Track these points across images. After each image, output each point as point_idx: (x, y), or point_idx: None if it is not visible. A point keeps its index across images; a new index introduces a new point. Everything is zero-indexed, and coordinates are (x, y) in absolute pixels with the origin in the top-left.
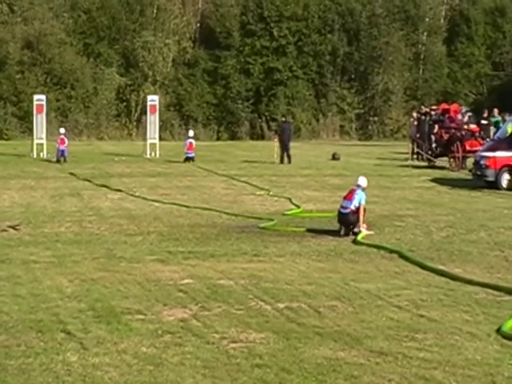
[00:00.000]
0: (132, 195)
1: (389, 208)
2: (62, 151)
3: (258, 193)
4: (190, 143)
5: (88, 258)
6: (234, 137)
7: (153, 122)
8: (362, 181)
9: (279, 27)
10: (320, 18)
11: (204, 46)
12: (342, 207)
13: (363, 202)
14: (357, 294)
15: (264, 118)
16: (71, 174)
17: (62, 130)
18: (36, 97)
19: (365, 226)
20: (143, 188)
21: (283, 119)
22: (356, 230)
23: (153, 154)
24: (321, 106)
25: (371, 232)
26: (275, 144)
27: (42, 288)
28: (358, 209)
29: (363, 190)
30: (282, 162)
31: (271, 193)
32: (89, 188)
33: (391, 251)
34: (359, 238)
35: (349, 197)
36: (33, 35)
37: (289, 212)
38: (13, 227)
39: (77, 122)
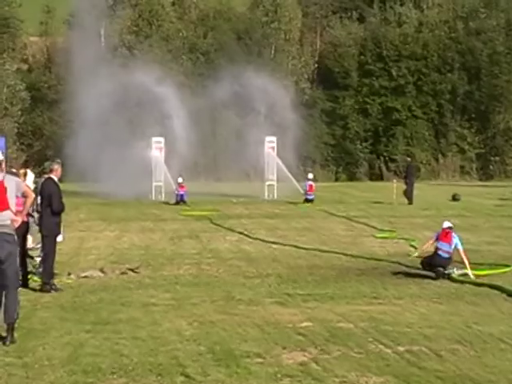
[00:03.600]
0: (251, 237)
1: (511, 250)
2: (182, 195)
3: (378, 235)
4: (310, 185)
5: (207, 300)
6: (352, 177)
7: (271, 163)
8: (448, 224)
9: (398, 67)
10: (439, 57)
11: (322, 87)
12: (441, 250)
13: (461, 247)
14: (479, 338)
15: (383, 159)
16: (188, 215)
17: (180, 180)
18: (154, 138)
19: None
20: (261, 230)
21: (408, 159)
22: (450, 271)
23: (271, 196)
24: (440, 146)
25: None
26: (394, 185)
27: (162, 331)
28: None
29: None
30: (411, 202)
31: (394, 234)
32: (207, 230)
33: (491, 287)
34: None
35: (447, 240)
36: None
37: (414, 254)
38: (132, 270)
39: (196, 164)
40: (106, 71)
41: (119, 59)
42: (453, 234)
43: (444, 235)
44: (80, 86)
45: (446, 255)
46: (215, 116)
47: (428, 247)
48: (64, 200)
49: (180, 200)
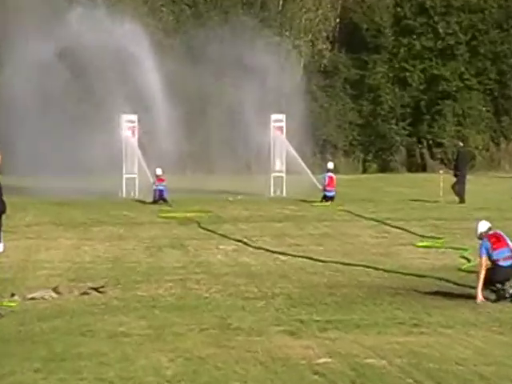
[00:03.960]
0: (252, 246)
1: None
2: (161, 191)
3: (419, 243)
4: (331, 178)
5: (194, 329)
6: (385, 168)
7: (278, 149)
8: (487, 224)
9: (446, 22)
10: (501, 8)
11: (346, 49)
12: (502, 259)
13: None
14: None
15: (426, 143)
16: (170, 217)
17: (159, 171)
18: (125, 116)
19: None
20: (266, 237)
21: (460, 144)
22: None
23: (278, 192)
24: (502, 127)
25: None
26: (441, 177)
27: (135, 369)
28: None
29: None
30: (463, 199)
31: (441, 241)
32: (195, 237)
33: None
34: None
35: (502, 243)
36: None
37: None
38: (96, 289)
39: (180, 151)
40: (57, 28)
41: (76, 11)
42: (502, 234)
43: (495, 240)
44: (17, 47)
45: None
46: (205, 88)
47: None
48: (4, 198)
49: (159, 198)
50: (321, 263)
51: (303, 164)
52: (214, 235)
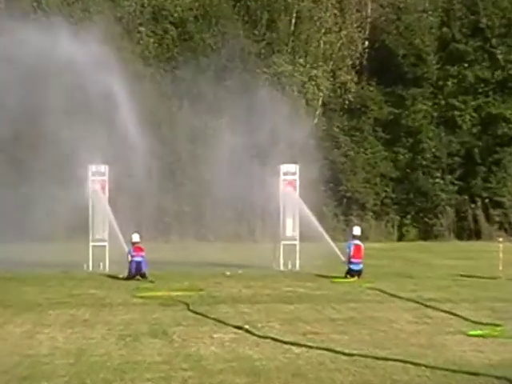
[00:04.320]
0: (255, 334)
1: None
2: (138, 263)
3: (472, 332)
4: (357, 246)
5: None
6: (428, 234)
7: (289, 209)
8: None
9: (507, 45)
10: None
11: (376, 81)
12: None
13: None
14: None
15: (480, 202)
16: (151, 297)
17: (136, 238)
18: (93, 167)
19: None
20: (274, 322)
21: None
22: None
23: (289, 265)
24: None
25: None
26: (500, 246)
27: None
28: None
29: None
30: None
31: (499, 330)
32: (182, 322)
33: None
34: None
35: None
36: None
37: None
38: None
39: (163, 211)
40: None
41: (31, 28)
42: None
43: None
44: None
45: None
46: (196, 131)
47: None
48: None
49: (136, 272)
50: (345, 357)
51: (321, 229)
52: (207, 320)
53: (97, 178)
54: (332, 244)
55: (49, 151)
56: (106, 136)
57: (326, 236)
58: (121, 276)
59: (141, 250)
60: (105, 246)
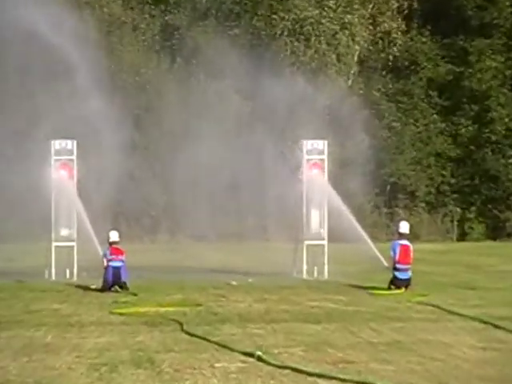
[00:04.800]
0: (270, 363)
1: None
2: (117, 270)
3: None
4: (404, 248)
5: None
6: (498, 232)
7: (315, 199)
8: None
9: None
10: None
11: (431, 28)
12: None
13: None
14: None
15: None
16: (132, 314)
17: (114, 236)
18: (56, 143)
19: None
20: (294, 347)
21: None
22: None
23: (315, 272)
24: None
25: None
26: None
27: None
28: None
29: None
30: None
31: None
32: (173, 348)
33: None
34: None
35: None
36: None
37: None
38: None
39: (147, 201)
40: None
41: None
42: None
43: None
44: None
45: None
46: (190, 95)
47: None
48: None
49: (113, 281)
50: None
51: (356, 224)
52: (207, 345)
53: (62, 158)
54: (371, 245)
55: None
56: (72, 104)
57: (364, 234)
58: (93, 286)
59: (120, 252)
60: (72, 247)
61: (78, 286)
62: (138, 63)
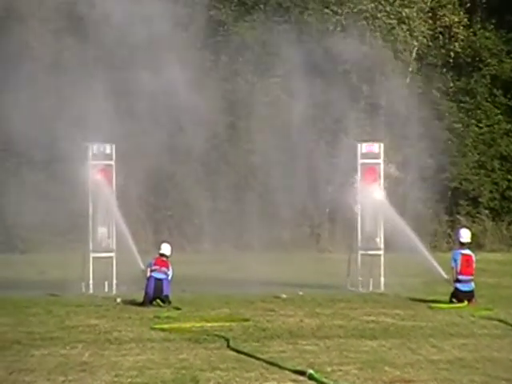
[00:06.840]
0: (322, 382)
1: None
2: (159, 282)
3: None
4: (467, 258)
5: None
6: None
7: (369, 206)
8: None
9: None
10: None
11: (497, 21)
12: None
13: None
14: None
15: None
16: (174, 330)
17: (164, 249)
18: (94, 147)
19: None
20: (349, 365)
21: None
22: None
23: (370, 284)
24: None
25: None
26: None
27: None
28: None
29: None
30: None
31: None
32: (220, 366)
33: None
34: None
35: None
36: None
37: None
38: None
39: (191, 210)
40: None
41: None
42: None
43: None
44: None
45: None
46: (236, 95)
47: None
48: None
49: (154, 294)
50: None
51: (414, 234)
52: (255, 362)
53: (99, 163)
54: (429, 256)
55: (28, 126)
56: (111, 105)
57: (422, 244)
58: (119, 300)
59: (165, 264)
60: (111, 259)
61: (116, 300)
62: (178, 60)
